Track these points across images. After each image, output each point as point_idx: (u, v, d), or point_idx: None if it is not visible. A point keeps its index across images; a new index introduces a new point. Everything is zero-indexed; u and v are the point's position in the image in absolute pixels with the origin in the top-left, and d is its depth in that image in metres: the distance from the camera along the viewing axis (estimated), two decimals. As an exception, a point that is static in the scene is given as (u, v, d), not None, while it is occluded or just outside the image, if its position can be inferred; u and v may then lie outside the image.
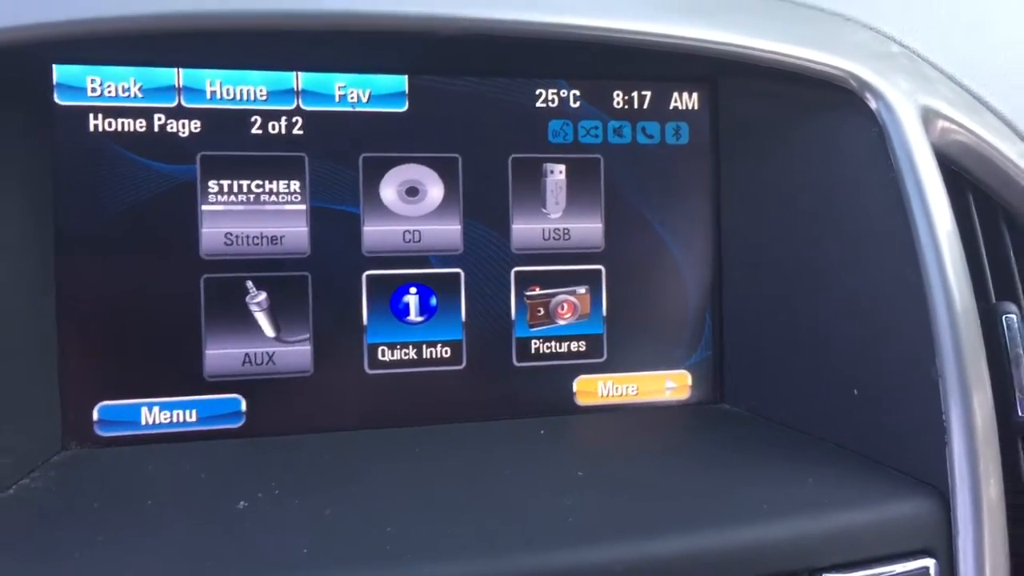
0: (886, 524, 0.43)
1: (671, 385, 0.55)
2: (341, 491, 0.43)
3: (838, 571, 0.41)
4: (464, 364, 0.52)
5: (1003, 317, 0.49)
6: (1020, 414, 0.48)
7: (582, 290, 0.54)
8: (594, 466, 0.47)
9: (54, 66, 0.47)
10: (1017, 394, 0.48)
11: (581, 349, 0.54)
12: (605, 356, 0.54)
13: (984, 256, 0.51)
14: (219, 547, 0.37)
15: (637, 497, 0.44)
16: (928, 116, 0.49)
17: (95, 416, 0.47)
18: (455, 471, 0.46)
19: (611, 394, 0.54)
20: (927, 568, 0.43)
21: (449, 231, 0.52)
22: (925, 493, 0.44)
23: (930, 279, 0.44)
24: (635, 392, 0.55)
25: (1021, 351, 0.49)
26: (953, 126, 0.50)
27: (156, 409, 0.48)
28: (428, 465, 0.47)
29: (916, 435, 0.45)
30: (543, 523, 0.41)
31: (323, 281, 0.50)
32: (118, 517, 0.40)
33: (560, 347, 0.54)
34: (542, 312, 0.53)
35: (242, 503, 0.41)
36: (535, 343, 0.53)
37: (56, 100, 0.47)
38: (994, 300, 0.51)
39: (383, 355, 0.51)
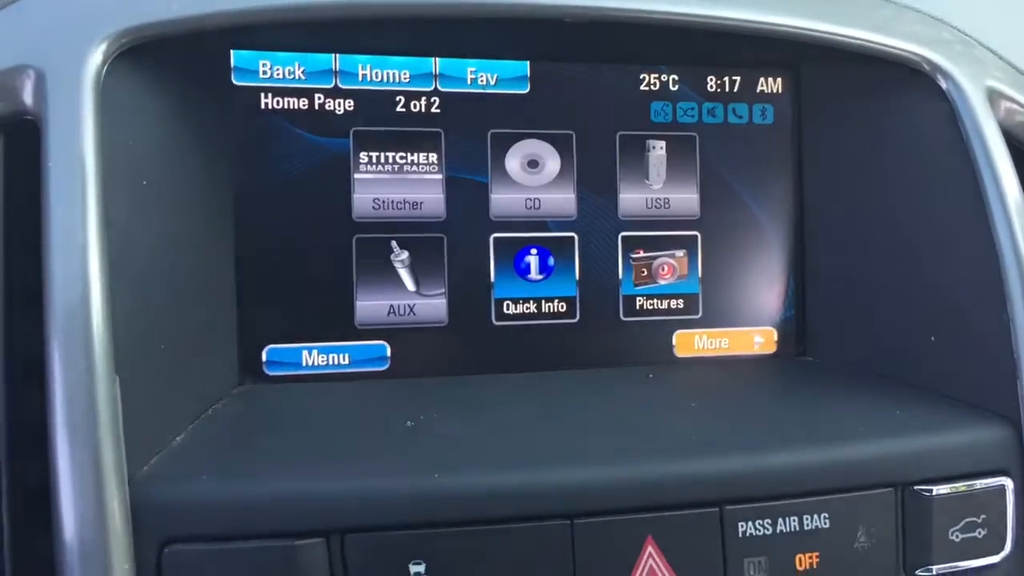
0: (967, 447, 0.48)
1: (759, 340, 0.62)
2: (482, 417, 0.50)
3: (926, 484, 0.47)
4: (577, 318, 0.59)
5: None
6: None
7: (680, 253, 0.60)
8: (701, 400, 0.54)
9: (232, 51, 0.54)
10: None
11: (679, 306, 0.60)
12: (701, 313, 0.61)
13: None
14: (408, 446, 0.44)
15: (745, 422, 0.50)
16: (992, 96, 0.55)
17: (264, 358, 0.54)
18: (579, 403, 0.53)
19: (706, 347, 0.61)
20: (1004, 485, 0.49)
21: (565, 199, 0.58)
22: (1001, 423, 0.49)
23: (999, 236, 0.50)
24: (727, 345, 0.61)
25: None
26: (1015, 106, 0.56)
27: (315, 352, 0.55)
28: (552, 400, 0.53)
29: (991, 373, 0.50)
30: (670, 439, 0.47)
31: (456, 242, 0.57)
32: (310, 427, 0.47)
33: (661, 304, 0.60)
34: (645, 272, 0.60)
35: (409, 422, 0.48)
36: (639, 300, 0.60)
37: (233, 81, 0.54)
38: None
39: (507, 308, 0.58)
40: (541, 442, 0.46)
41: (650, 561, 0.43)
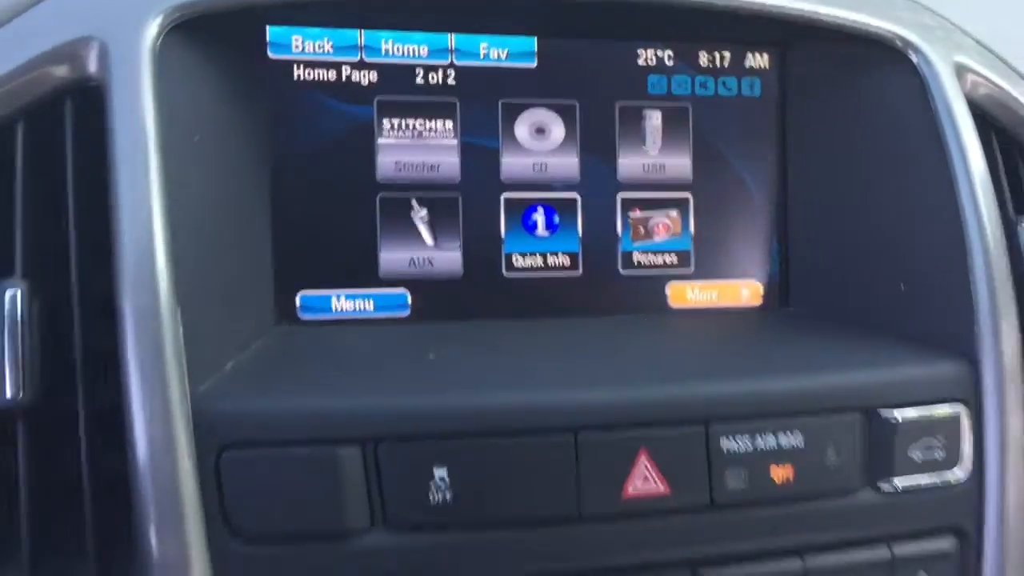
0: (928, 379, 0.54)
1: (746, 293, 0.67)
2: (497, 352, 0.56)
3: (891, 408, 0.53)
4: (580, 271, 0.65)
5: (1019, 227, 0.61)
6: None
7: (674, 213, 0.66)
8: (693, 340, 0.60)
9: (267, 27, 0.60)
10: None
11: (673, 261, 0.66)
12: (692, 268, 0.67)
13: (1005, 182, 0.63)
14: (432, 372, 0.50)
15: (730, 356, 0.56)
16: (960, 70, 0.61)
17: (297, 303, 0.60)
18: (582, 342, 0.59)
19: (697, 299, 0.67)
20: (959, 412, 0.54)
21: (569, 163, 0.64)
22: (959, 360, 0.55)
23: (962, 197, 0.56)
24: (716, 298, 0.67)
25: None
26: (981, 79, 0.61)
27: (343, 298, 0.61)
28: (558, 340, 0.59)
29: (953, 319, 0.56)
30: (663, 367, 0.53)
31: (470, 201, 0.63)
32: (343, 358, 0.53)
33: (656, 259, 0.66)
34: (642, 230, 0.66)
35: (431, 355, 0.54)
36: (636, 255, 0.66)
37: (269, 55, 0.60)
38: (1013, 216, 0.63)
39: (516, 262, 0.64)
40: (549, 369, 0.52)
41: (643, 470, 0.49)
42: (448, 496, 0.46)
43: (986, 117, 0.63)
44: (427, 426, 0.47)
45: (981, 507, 0.54)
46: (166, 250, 0.45)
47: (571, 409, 0.48)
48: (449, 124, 0.62)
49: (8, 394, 0.45)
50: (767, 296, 0.67)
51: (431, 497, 0.46)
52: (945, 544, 0.54)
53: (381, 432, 0.46)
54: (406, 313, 0.61)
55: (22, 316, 0.45)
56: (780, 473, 0.50)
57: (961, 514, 0.54)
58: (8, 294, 0.45)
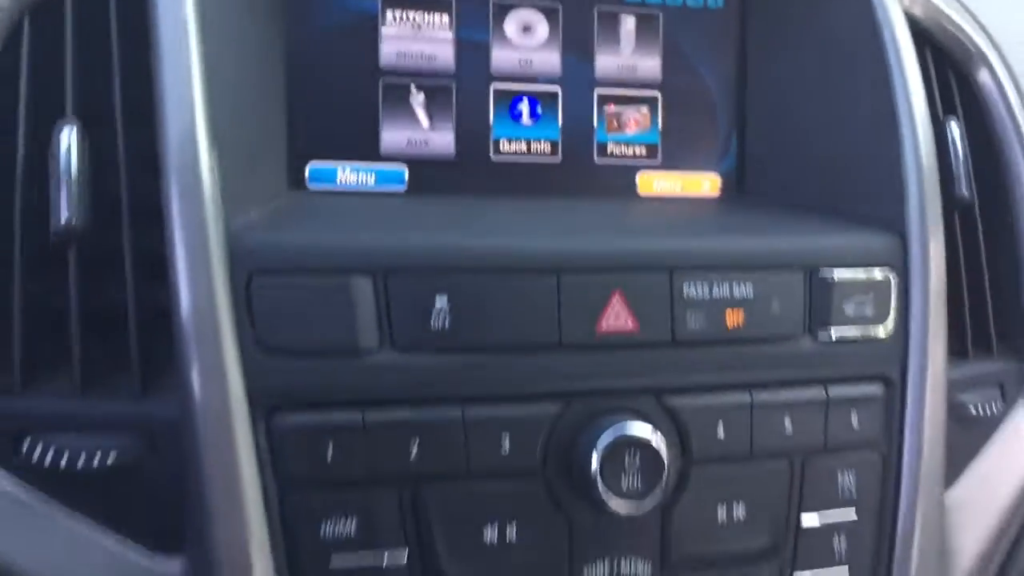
0: (864, 247, 0.61)
1: (706, 185, 0.75)
2: (488, 215, 0.63)
3: (830, 267, 0.61)
4: (560, 158, 0.72)
5: (948, 124, 0.69)
6: (955, 191, 0.69)
7: (644, 110, 0.73)
8: (660, 215, 0.67)
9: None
10: (955, 172, 0.69)
11: (642, 153, 0.74)
12: (660, 159, 0.74)
13: (936, 89, 0.71)
14: (430, 221, 0.57)
15: (692, 223, 0.64)
16: (899, -12, 0.68)
17: (307, 173, 0.67)
18: (563, 212, 0.66)
19: (663, 188, 0.74)
20: (888, 276, 0.62)
21: (551, 59, 0.71)
22: (891, 232, 0.63)
23: (897, 96, 0.64)
24: (680, 188, 0.75)
25: (959, 149, 0.70)
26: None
27: (348, 171, 0.68)
28: (541, 211, 0.67)
29: (887, 200, 0.64)
30: (634, 227, 0.61)
31: (463, 90, 0.70)
32: (352, 212, 0.60)
33: (627, 150, 0.73)
34: (616, 123, 0.73)
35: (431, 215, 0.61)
36: (610, 146, 0.73)
37: (285, -53, 0.66)
38: (941, 115, 0.71)
39: (503, 147, 0.71)
40: (535, 225, 0.59)
41: (615, 309, 0.56)
42: (447, 323, 0.54)
43: (922, 32, 0.71)
44: (430, 260, 0.54)
45: (905, 359, 0.62)
46: (204, 107, 0.52)
47: (555, 253, 0.55)
48: (446, 19, 0.68)
49: (63, 219, 0.51)
50: (724, 188, 0.75)
51: (432, 323, 0.54)
52: (873, 389, 0.62)
53: (390, 264, 0.53)
54: (403, 188, 0.68)
55: (76, 150, 0.51)
56: (733, 318, 0.58)
57: (887, 364, 0.62)
58: (64, 130, 0.52)
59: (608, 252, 0.56)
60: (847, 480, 0.61)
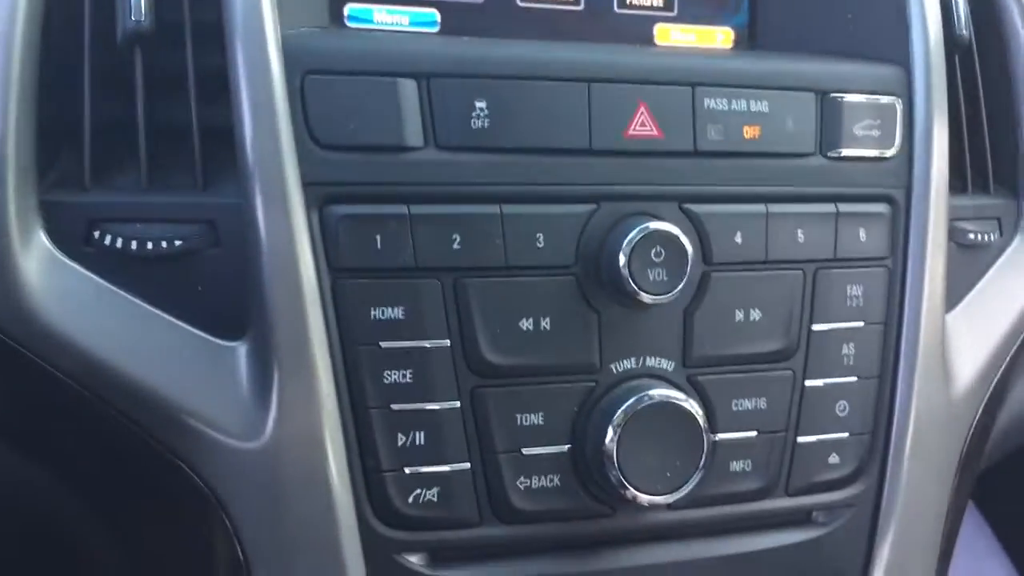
0: (872, 76, 0.66)
1: (720, 36, 0.79)
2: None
3: (841, 93, 0.65)
4: (582, 5, 0.76)
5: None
6: (956, 31, 0.73)
7: (662, -37, 0.77)
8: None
9: None
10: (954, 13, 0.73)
11: (659, 5, 0.78)
12: (676, 12, 0.78)
13: None
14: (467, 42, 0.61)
15: (713, 51, 0.68)
16: None
17: (345, 12, 0.71)
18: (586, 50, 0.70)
19: (678, 39, 0.78)
20: (894, 102, 0.67)
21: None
22: (896, 66, 0.67)
23: None
24: (694, 39, 0.78)
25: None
26: None
27: (384, 12, 0.71)
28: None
29: (892, 36, 0.68)
30: (660, 50, 0.65)
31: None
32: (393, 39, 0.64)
33: (646, 1, 0.77)
34: (635, -25, 0.77)
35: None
36: (632, -1, 0.77)
37: None
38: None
39: (531, -9, 0.74)
40: (566, 47, 0.63)
41: (641, 116, 0.60)
42: (486, 123, 0.58)
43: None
44: (471, 66, 0.58)
45: (910, 181, 0.67)
46: None
47: (586, 64, 0.60)
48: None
49: (133, 17, 0.55)
50: (737, 40, 0.79)
51: (472, 123, 0.58)
52: (880, 208, 0.67)
53: (433, 69, 0.57)
54: (436, 29, 0.72)
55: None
56: (750, 131, 0.63)
57: (893, 185, 0.67)
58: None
59: (635, 64, 0.60)
60: (855, 291, 0.66)
